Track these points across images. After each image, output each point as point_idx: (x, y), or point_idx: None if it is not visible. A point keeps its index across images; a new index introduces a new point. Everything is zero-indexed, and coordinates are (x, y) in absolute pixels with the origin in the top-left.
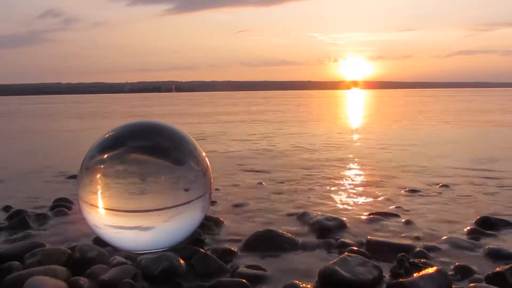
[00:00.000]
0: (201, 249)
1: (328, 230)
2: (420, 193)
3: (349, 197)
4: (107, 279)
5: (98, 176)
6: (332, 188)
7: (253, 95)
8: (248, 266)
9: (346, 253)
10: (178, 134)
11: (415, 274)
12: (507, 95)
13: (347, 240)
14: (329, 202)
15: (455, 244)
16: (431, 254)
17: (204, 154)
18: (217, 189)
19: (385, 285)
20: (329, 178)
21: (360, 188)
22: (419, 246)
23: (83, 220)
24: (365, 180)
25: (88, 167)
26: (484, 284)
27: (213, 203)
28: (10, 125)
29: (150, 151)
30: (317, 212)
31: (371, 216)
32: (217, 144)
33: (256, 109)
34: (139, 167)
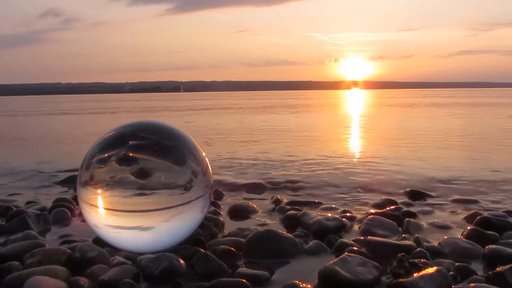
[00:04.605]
0: (201, 249)
1: (328, 230)
2: (420, 194)
3: (349, 197)
4: (107, 279)
5: (98, 176)
6: (332, 187)
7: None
8: (248, 266)
9: (346, 253)
10: (178, 134)
11: (415, 274)
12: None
13: (347, 240)
14: (329, 201)
15: (455, 244)
16: (431, 254)
17: (204, 153)
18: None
19: (385, 285)
20: (331, 176)
21: (360, 188)
22: (419, 246)
23: (83, 220)
24: (365, 180)
25: (88, 167)
26: (484, 284)
27: (213, 203)
28: (9, 126)
29: (150, 151)
30: (317, 212)
31: (371, 216)
32: None
33: None
34: (139, 167)
